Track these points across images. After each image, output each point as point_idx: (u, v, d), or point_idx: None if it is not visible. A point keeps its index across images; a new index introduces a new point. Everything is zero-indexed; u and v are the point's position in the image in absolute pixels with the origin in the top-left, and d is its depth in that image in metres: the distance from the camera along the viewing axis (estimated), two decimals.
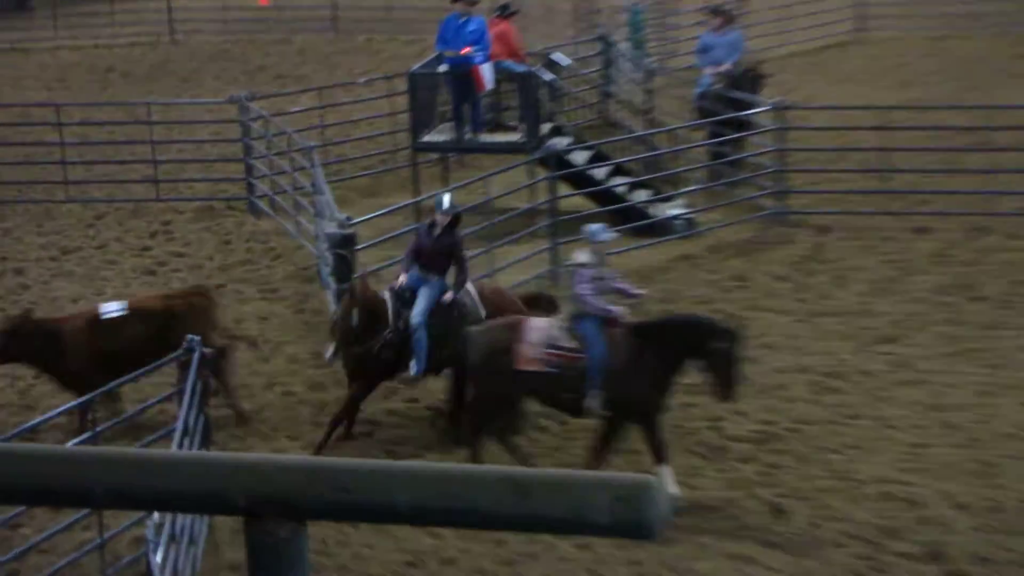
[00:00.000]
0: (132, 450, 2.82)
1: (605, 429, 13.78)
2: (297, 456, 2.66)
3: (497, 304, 14.97)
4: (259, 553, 2.77)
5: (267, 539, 2.76)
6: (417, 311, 14.58)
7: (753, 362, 16.54)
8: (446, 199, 15.14)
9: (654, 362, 13.56)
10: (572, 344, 13.66)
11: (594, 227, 14.27)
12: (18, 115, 26.35)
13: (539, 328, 13.75)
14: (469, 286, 15.00)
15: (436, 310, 14.67)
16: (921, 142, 23.43)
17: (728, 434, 14.93)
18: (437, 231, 14.90)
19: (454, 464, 2.77)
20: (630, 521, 2.54)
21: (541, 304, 15.48)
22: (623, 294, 14.16)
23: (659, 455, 13.34)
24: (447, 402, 15.03)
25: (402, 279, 14.85)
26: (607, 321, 13.65)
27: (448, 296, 14.79)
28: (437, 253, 14.86)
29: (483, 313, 14.73)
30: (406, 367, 14.70)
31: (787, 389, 15.96)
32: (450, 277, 14.93)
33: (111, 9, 38.21)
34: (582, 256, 13.79)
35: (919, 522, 13.05)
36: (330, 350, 14.63)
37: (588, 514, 2.58)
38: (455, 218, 14.99)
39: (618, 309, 13.80)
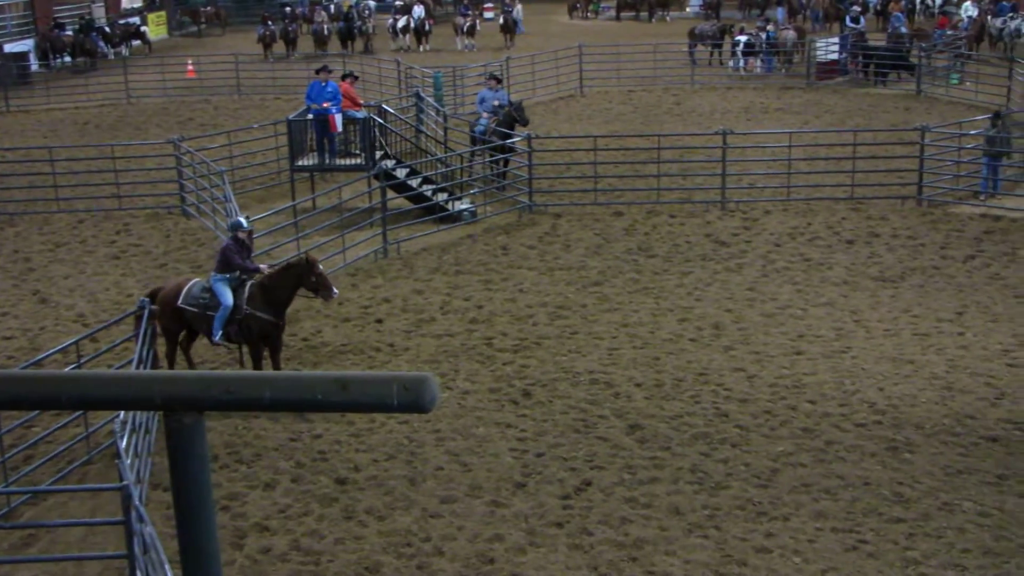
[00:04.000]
0: (91, 371, 2.87)
1: None
2: (197, 371, 2.68)
3: None
4: (173, 434, 2.70)
5: (177, 425, 2.68)
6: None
7: (512, 301, 17.08)
8: (245, 222, 13.92)
9: None
10: None
11: None
12: (23, 155, 25.34)
13: None
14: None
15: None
16: (617, 158, 24.08)
17: (496, 347, 15.08)
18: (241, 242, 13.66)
19: (298, 372, 2.72)
20: (412, 402, 2.52)
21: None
22: None
23: None
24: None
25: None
26: None
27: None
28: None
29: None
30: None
31: (533, 317, 16.16)
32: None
33: (86, 82, 36.88)
34: None
35: (613, 396, 13.47)
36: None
37: (385, 399, 2.54)
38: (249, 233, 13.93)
39: None
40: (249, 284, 13.48)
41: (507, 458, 12.04)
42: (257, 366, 13.47)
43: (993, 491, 11.13)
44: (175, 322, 13.54)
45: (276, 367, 13.43)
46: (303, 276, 13.31)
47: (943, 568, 9.89)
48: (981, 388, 13.48)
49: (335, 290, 13.66)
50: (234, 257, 13.46)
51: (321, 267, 13.52)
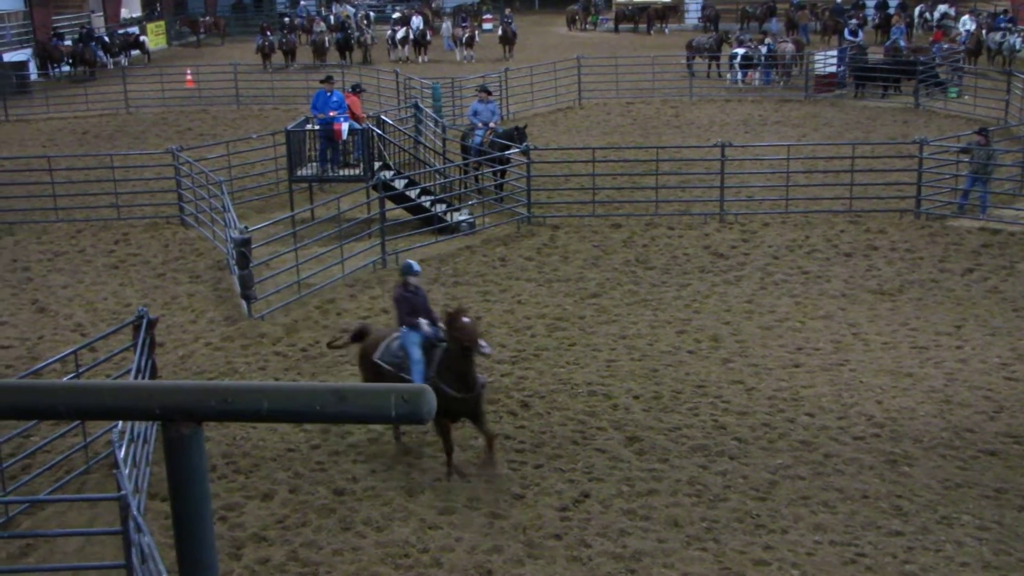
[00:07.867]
0: (89, 381, 2.84)
1: None
2: (196, 381, 2.65)
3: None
4: (171, 444, 2.68)
5: (176, 435, 2.66)
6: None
7: (511, 312, 17.07)
8: (416, 265, 12.25)
9: None
10: None
11: None
12: (23, 164, 25.32)
13: None
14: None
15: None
16: (615, 169, 24.11)
17: (494, 358, 14.87)
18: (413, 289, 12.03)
19: (296, 383, 2.66)
20: (409, 414, 2.52)
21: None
22: None
23: None
24: None
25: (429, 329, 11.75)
26: None
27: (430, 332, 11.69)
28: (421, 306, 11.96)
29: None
30: None
31: (532, 329, 16.14)
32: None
33: (85, 92, 36.89)
34: None
35: (611, 408, 13.41)
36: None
37: (383, 410, 2.54)
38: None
39: None
40: (443, 347, 11.51)
41: (505, 470, 12.00)
42: (446, 445, 11.76)
43: (992, 505, 11.11)
44: (372, 375, 11.91)
45: (486, 435, 11.76)
46: (450, 332, 11.23)
47: None
48: (980, 402, 13.47)
49: (484, 345, 11.55)
50: (402, 313, 11.84)
51: (467, 318, 11.26)
